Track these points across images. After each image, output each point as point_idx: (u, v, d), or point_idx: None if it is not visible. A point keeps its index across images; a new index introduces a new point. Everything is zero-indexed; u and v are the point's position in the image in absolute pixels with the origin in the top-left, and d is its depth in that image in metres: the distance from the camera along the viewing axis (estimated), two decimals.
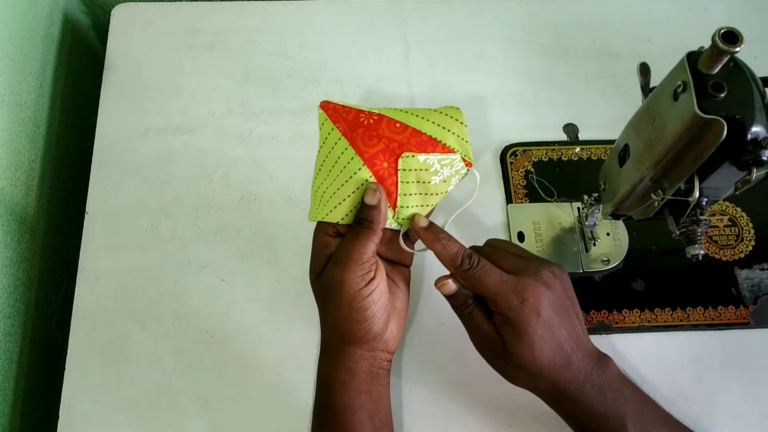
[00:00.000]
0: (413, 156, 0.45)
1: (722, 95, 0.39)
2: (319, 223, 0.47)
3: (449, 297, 0.47)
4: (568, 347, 0.44)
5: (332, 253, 0.45)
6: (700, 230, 0.46)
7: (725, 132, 0.37)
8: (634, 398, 0.45)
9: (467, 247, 0.47)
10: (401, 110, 0.47)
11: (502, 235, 0.62)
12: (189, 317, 0.59)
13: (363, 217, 0.45)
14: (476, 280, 0.44)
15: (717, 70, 0.39)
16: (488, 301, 0.45)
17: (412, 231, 0.48)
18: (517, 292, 0.43)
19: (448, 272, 0.47)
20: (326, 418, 0.46)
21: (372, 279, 0.44)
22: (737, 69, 0.40)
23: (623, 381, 0.46)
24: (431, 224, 0.47)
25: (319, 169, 0.48)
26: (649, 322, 0.58)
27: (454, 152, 0.46)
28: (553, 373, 0.44)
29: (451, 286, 0.46)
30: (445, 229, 0.47)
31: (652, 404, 0.46)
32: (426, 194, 0.47)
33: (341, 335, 0.45)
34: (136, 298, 0.60)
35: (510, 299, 0.43)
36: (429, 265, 0.60)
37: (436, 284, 0.47)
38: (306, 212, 0.63)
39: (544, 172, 0.65)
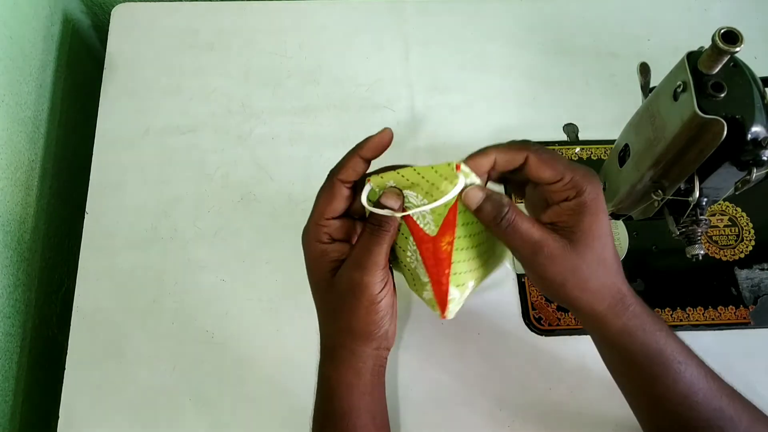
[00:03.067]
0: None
1: (722, 95, 0.39)
2: (308, 231, 0.44)
3: (478, 212, 0.40)
4: (616, 255, 0.42)
5: (335, 259, 0.44)
6: (700, 230, 0.47)
7: (725, 132, 0.38)
8: (665, 323, 0.44)
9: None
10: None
11: None
12: (189, 317, 0.59)
13: (383, 219, 0.42)
14: (549, 157, 0.40)
15: (717, 70, 0.39)
16: (559, 188, 0.40)
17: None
18: (587, 172, 0.40)
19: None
20: (330, 422, 0.46)
21: (387, 279, 0.44)
22: (737, 69, 0.40)
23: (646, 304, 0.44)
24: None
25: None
26: None
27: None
28: (616, 273, 0.41)
29: (477, 193, 0.40)
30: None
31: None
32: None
33: (354, 336, 0.44)
34: (136, 298, 0.60)
35: (583, 177, 0.39)
36: None
37: (462, 196, 0.40)
38: (306, 212, 0.63)
39: None
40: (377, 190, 0.43)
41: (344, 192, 0.43)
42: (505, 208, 0.39)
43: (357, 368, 0.45)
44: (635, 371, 0.43)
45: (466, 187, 0.40)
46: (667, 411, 0.43)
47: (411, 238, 0.42)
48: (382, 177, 0.42)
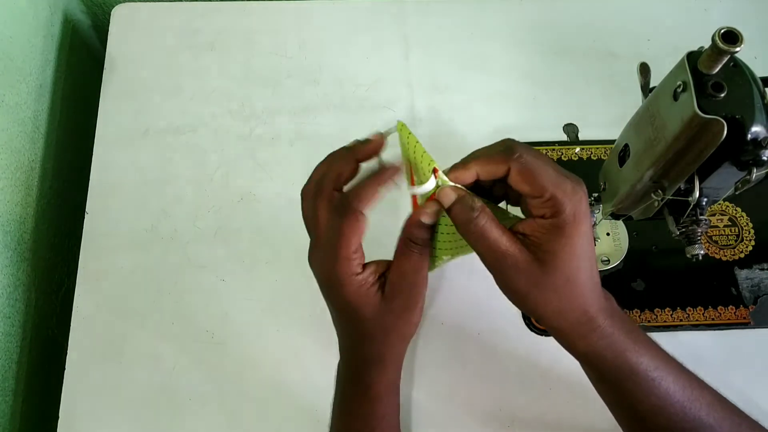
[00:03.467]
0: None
1: (722, 95, 0.39)
2: (338, 266, 0.41)
3: (449, 212, 0.40)
4: (595, 272, 0.40)
5: (374, 282, 0.42)
6: (700, 230, 0.47)
7: (725, 132, 0.37)
8: (645, 335, 0.43)
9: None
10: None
11: None
12: (189, 317, 0.59)
13: (424, 237, 0.41)
14: (533, 165, 0.38)
15: (717, 70, 0.39)
16: (538, 204, 0.38)
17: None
18: (573, 189, 0.37)
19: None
20: (369, 426, 0.46)
21: None
22: (737, 69, 0.40)
23: (627, 317, 0.43)
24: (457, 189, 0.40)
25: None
26: (649, 322, 0.58)
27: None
28: (585, 295, 0.39)
29: (450, 194, 0.39)
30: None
31: (656, 343, 0.44)
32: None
33: (404, 340, 0.46)
34: (136, 298, 0.60)
35: (568, 195, 0.37)
36: None
37: (438, 196, 0.40)
38: None
39: None
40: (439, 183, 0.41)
41: (364, 220, 0.40)
42: (474, 213, 0.38)
43: (399, 365, 0.47)
44: (606, 386, 0.44)
45: (438, 186, 0.40)
46: (642, 424, 0.43)
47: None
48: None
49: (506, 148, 0.39)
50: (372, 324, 0.43)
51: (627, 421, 0.45)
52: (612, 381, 0.42)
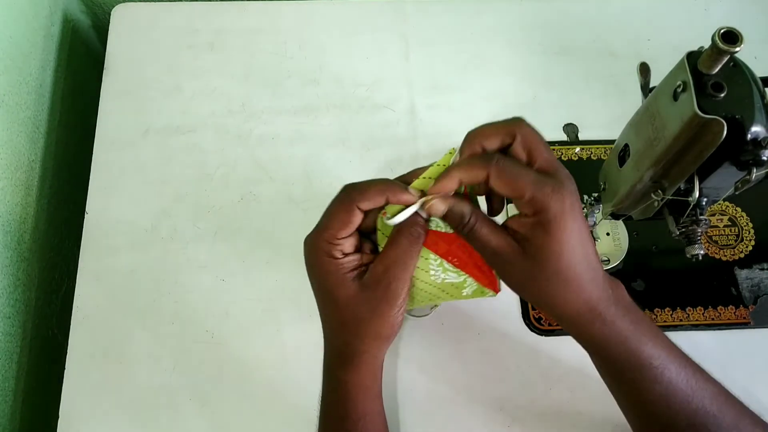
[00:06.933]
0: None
1: (722, 95, 0.39)
2: (318, 247, 0.43)
3: (444, 218, 0.43)
4: (594, 262, 0.41)
5: (353, 268, 0.43)
6: (700, 230, 0.47)
7: (725, 132, 0.37)
8: (651, 321, 0.44)
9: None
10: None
11: None
12: (189, 317, 0.59)
13: (420, 229, 0.43)
14: (511, 174, 0.39)
15: (717, 70, 0.39)
16: (524, 203, 0.40)
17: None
18: (556, 189, 0.39)
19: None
20: (343, 426, 0.46)
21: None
22: (737, 69, 0.40)
23: (635, 304, 0.44)
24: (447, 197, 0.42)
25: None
26: None
27: None
28: (582, 287, 0.40)
29: (440, 206, 0.42)
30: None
31: (662, 333, 0.45)
32: None
33: (380, 340, 0.45)
34: (136, 298, 0.60)
35: (549, 196, 0.39)
36: None
37: (424, 207, 0.42)
38: (306, 212, 0.64)
39: None
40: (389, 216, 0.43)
41: (359, 216, 0.43)
42: (465, 217, 0.42)
43: (374, 371, 0.46)
44: (610, 375, 0.45)
45: (426, 203, 0.42)
46: (647, 412, 0.44)
47: (432, 256, 0.44)
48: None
49: (486, 155, 0.41)
50: (346, 312, 0.44)
51: (632, 408, 0.45)
52: (617, 369, 0.43)
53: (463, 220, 0.42)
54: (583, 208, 0.59)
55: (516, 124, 0.41)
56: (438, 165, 0.43)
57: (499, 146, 0.42)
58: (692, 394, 0.42)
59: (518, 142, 0.41)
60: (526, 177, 0.39)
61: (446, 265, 0.45)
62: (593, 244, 0.42)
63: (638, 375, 0.42)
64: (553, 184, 0.39)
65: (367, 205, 0.42)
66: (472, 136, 0.42)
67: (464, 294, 0.47)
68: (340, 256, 0.43)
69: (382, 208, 0.43)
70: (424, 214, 0.43)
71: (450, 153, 0.43)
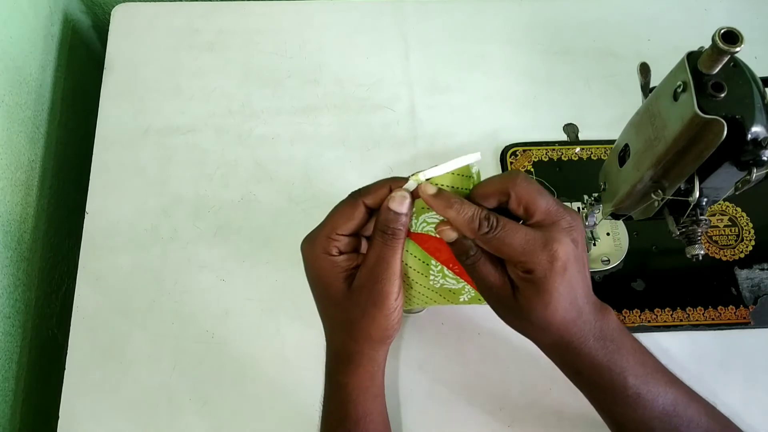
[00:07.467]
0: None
1: (722, 95, 0.39)
2: (315, 243, 0.44)
3: (451, 245, 0.44)
4: (581, 302, 0.42)
5: (347, 268, 0.44)
6: (700, 230, 0.47)
7: (725, 132, 0.37)
8: (635, 349, 0.45)
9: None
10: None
11: None
12: (189, 317, 0.59)
13: (394, 226, 0.42)
14: (499, 242, 0.40)
15: (717, 70, 0.39)
16: (513, 263, 0.42)
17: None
18: (546, 250, 0.40)
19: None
20: (344, 427, 0.46)
21: (400, 283, 0.44)
22: (737, 69, 0.40)
23: (623, 332, 0.45)
24: (440, 190, 0.42)
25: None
26: (649, 322, 0.58)
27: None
28: (562, 328, 0.42)
29: (451, 233, 0.42)
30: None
31: (651, 356, 0.46)
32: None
33: (372, 342, 0.45)
34: (136, 298, 0.60)
35: (538, 259, 0.40)
36: None
37: (435, 229, 0.43)
38: (306, 212, 0.64)
39: (545, 172, 0.65)
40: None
41: (364, 213, 0.43)
42: (470, 251, 0.43)
43: (372, 372, 0.46)
44: (583, 390, 0.47)
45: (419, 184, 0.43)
46: (618, 425, 0.46)
47: (433, 261, 0.45)
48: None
49: (481, 221, 0.41)
50: (339, 311, 0.45)
51: (611, 427, 0.48)
52: (592, 397, 0.47)
53: (468, 253, 0.43)
54: (584, 209, 0.59)
55: (510, 180, 0.42)
56: (454, 174, 0.43)
57: (496, 206, 0.43)
58: (673, 421, 0.44)
59: (513, 200, 0.42)
60: (513, 245, 0.40)
61: (446, 271, 0.46)
62: (586, 278, 0.43)
63: (611, 402, 0.45)
64: (544, 243, 0.40)
65: (371, 199, 0.43)
66: (470, 198, 0.43)
67: (461, 300, 0.48)
68: (336, 254, 0.44)
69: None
70: (404, 209, 0.43)
71: (468, 167, 0.43)
